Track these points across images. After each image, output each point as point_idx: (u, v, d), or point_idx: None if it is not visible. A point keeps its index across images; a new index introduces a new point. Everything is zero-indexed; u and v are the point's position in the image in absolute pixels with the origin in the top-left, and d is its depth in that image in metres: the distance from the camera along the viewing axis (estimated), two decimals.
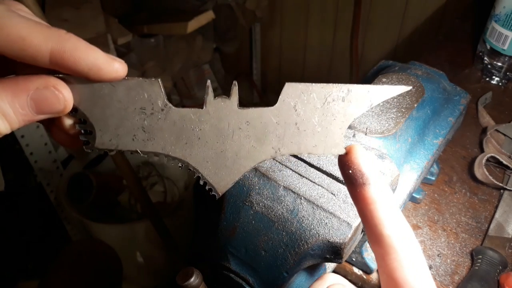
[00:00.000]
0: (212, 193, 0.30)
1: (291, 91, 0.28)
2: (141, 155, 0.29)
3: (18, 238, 1.47)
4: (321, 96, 0.28)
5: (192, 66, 1.76)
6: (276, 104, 0.28)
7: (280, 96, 0.28)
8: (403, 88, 0.29)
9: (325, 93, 0.28)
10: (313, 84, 0.28)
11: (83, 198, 1.38)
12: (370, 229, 0.27)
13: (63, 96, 0.27)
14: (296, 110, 0.28)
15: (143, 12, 1.59)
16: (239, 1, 1.72)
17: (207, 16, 1.49)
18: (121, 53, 1.42)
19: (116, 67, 0.26)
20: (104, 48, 1.20)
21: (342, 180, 0.42)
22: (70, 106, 0.28)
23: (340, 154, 0.29)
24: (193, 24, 1.44)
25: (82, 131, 0.29)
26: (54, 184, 1.40)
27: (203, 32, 1.64)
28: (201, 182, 0.30)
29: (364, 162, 0.28)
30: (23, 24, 0.24)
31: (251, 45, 1.99)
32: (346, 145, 0.29)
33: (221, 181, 0.30)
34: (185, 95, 1.88)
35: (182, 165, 0.30)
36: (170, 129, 0.29)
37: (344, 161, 0.28)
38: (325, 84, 0.28)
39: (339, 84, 0.28)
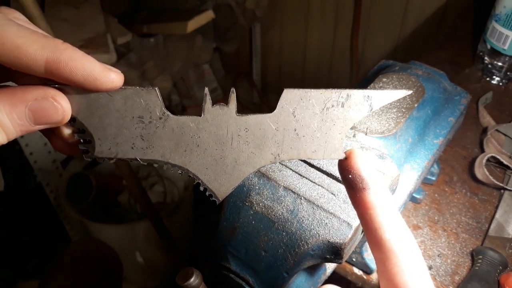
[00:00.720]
0: (213, 198, 0.30)
1: (290, 97, 0.28)
2: (141, 163, 0.30)
3: (18, 238, 1.47)
4: (320, 102, 0.28)
5: (192, 66, 1.76)
6: (275, 111, 0.29)
7: (278, 102, 0.28)
8: (403, 93, 0.29)
9: (324, 98, 0.28)
10: (312, 90, 0.28)
11: (83, 198, 1.38)
12: (370, 233, 0.27)
13: (62, 106, 0.27)
14: (295, 116, 0.28)
15: (143, 11, 1.59)
16: (239, 0, 1.72)
17: (207, 16, 1.48)
18: (120, 53, 1.42)
19: (112, 78, 0.26)
20: (104, 47, 1.20)
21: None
22: (68, 116, 0.28)
23: (339, 159, 0.29)
24: (193, 24, 1.44)
25: (81, 140, 0.29)
26: (54, 184, 1.39)
27: (203, 31, 1.64)
28: (201, 188, 0.30)
29: (363, 167, 0.28)
30: (19, 33, 0.24)
31: (251, 45, 1.99)
32: (346, 149, 0.29)
33: (221, 187, 0.30)
34: (185, 95, 1.88)
35: (182, 172, 0.30)
36: (169, 137, 0.29)
37: (344, 166, 0.28)
38: (324, 90, 0.28)
39: (339, 90, 0.28)
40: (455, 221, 0.66)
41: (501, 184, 0.68)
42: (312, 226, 0.38)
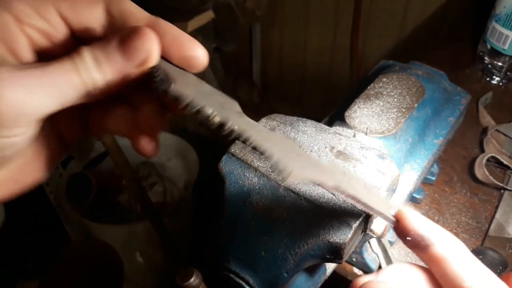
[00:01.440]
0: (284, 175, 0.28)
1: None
2: (212, 119, 0.27)
3: (18, 238, 1.47)
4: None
5: None
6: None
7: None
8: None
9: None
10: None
11: (83, 198, 1.38)
12: (448, 284, 0.27)
13: (149, 41, 0.26)
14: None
15: None
16: (239, 0, 1.72)
17: (207, 16, 1.48)
18: None
19: (198, 49, 0.28)
20: None
21: None
22: (156, 55, 0.27)
23: (391, 223, 0.29)
24: (193, 24, 1.44)
25: (159, 78, 0.27)
26: (54, 184, 1.39)
27: (203, 31, 1.64)
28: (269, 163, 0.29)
29: (418, 225, 0.27)
30: (131, 3, 0.29)
31: (251, 45, 1.99)
32: (394, 213, 0.28)
33: (288, 167, 0.27)
34: None
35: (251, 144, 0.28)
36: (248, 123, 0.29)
37: (399, 229, 0.28)
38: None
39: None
40: (455, 221, 0.66)
41: (501, 184, 0.68)
42: (312, 226, 0.38)
